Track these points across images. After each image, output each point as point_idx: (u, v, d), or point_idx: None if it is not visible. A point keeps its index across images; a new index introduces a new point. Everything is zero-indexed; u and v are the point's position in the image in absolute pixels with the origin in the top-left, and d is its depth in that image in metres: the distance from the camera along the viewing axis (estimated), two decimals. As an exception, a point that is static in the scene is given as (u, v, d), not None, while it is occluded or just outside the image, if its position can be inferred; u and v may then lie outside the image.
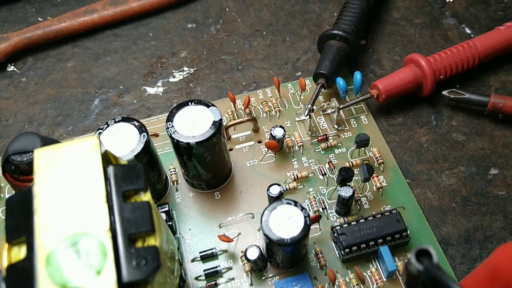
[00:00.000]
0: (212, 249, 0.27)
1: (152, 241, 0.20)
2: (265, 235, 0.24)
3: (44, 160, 0.20)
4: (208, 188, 0.30)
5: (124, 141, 0.26)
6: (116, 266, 0.18)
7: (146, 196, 0.21)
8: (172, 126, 0.26)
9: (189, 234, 0.28)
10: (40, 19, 0.40)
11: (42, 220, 0.19)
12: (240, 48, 0.38)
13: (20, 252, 0.19)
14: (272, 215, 0.25)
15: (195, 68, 0.37)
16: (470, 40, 0.33)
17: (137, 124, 0.26)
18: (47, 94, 0.36)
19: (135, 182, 0.21)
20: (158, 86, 0.36)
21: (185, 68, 0.37)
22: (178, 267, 0.25)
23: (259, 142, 0.32)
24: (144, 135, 0.26)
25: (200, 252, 0.27)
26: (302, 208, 0.25)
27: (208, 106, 0.27)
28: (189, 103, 0.27)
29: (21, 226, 0.20)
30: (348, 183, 0.27)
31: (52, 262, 0.18)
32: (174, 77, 0.36)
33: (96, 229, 0.19)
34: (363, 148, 0.31)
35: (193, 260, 0.27)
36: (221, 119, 0.26)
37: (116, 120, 0.26)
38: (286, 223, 0.24)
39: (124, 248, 0.19)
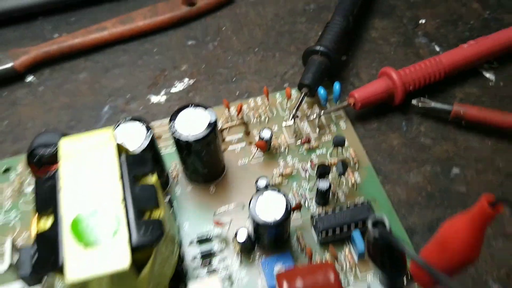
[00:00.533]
0: (207, 233, 0.31)
1: (157, 215, 0.24)
2: (252, 218, 0.28)
3: (68, 147, 0.25)
4: (205, 182, 0.34)
5: (132, 137, 0.30)
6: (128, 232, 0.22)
7: (153, 179, 0.25)
8: (174, 125, 0.30)
9: (187, 221, 0.32)
10: (55, 35, 0.45)
11: (66, 195, 0.23)
12: (234, 62, 0.42)
13: (47, 223, 0.23)
14: (258, 201, 0.29)
15: (194, 80, 0.41)
16: (436, 56, 0.38)
17: (144, 123, 0.30)
18: (61, 101, 0.40)
19: (144, 167, 0.25)
20: (161, 95, 0.40)
21: (186, 80, 0.41)
22: (178, 248, 0.29)
23: (250, 143, 0.36)
24: (150, 132, 0.30)
25: (196, 236, 0.31)
26: (284, 195, 0.29)
27: (205, 109, 0.31)
28: (189, 106, 0.31)
29: (48, 201, 0.24)
30: (325, 177, 0.31)
31: (75, 227, 0.22)
32: (175, 87, 0.41)
33: (112, 201, 0.23)
34: (341, 150, 0.35)
35: (190, 243, 0.31)
36: (216, 120, 0.30)
37: (126, 119, 0.31)
38: (271, 208, 0.28)
39: (134, 219, 0.23)
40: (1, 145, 0.38)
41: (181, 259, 0.30)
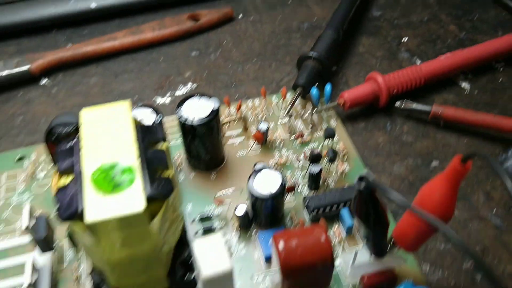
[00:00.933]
0: (208, 213, 0.34)
1: (167, 174, 0.27)
2: (250, 193, 0.31)
3: (89, 116, 0.28)
4: (206, 169, 0.37)
5: (144, 120, 0.33)
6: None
7: (164, 146, 0.28)
8: (181, 111, 0.33)
9: (190, 204, 0.35)
10: (69, 46, 0.49)
11: (87, 153, 0.26)
12: (234, 71, 0.46)
13: (68, 179, 0.26)
14: (256, 178, 0.32)
15: (197, 85, 0.45)
16: (417, 65, 0.42)
17: (154, 109, 0.34)
18: (73, 102, 0.44)
19: (155, 135, 0.28)
20: (166, 97, 0.44)
21: (189, 84, 0.45)
22: (182, 220, 0.31)
23: (248, 138, 0.39)
24: (160, 115, 0.33)
25: (199, 215, 0.34)
26: (280, 172, 0.32)
27: (209, 98, 0.34)
28: (195, 95, 0.34)
29: (68, 162, 0.26)
30: (317, 161, 0.34)
31: (96, 178, 0.25)
32: (179, 90, 0.44)
33: (128, 157, 0.25)
34: (331, 142, 0.38)
35: (192, 221, 0.34)
36: (218, 107, 0.34)
37: (138, 105, 0.34)
38: (267, 184, 0.31)
39: (147, 175, 0.26)
40: (16, 138, 0.41)
41: (184, 232, 0.32)
